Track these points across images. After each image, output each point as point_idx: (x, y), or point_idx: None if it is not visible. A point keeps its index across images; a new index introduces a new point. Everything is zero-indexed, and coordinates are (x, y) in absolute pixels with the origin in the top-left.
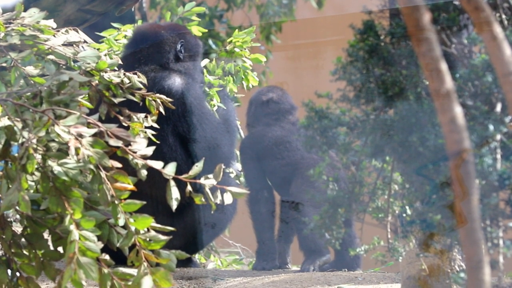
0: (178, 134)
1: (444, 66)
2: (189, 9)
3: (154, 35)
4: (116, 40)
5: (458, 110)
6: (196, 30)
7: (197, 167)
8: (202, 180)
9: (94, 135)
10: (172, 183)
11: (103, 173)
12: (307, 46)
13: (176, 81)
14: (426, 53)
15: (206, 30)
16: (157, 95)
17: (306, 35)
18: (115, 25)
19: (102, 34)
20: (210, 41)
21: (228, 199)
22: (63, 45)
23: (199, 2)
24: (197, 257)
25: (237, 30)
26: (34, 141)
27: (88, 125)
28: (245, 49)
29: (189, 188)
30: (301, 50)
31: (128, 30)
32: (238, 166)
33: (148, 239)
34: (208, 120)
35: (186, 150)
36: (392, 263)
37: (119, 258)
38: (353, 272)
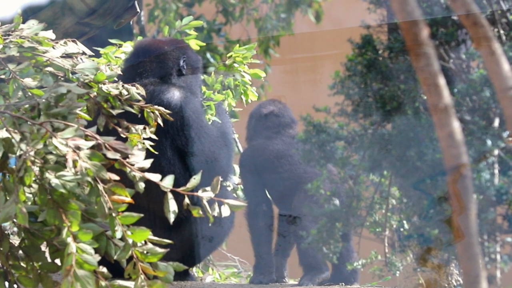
0: (177, 148)
1: (442, 81)
2: (187, 23)
3: (156, 49)
4: (115, 56)
5: (456, 125)
6: (194, 44)
7: (195, 179)
8: (199, 193)
9: (92, 147)
10: (170, 195)
11: (100, 186)
12: (305, 60)
13: (175, 95)
14: (424, 67)
15: (204, 44)
16: (156, 106)
17: (304, 49)
18: (113, 41)
19: (101, 50)
20: (208, 55)
21: (225, 211)
22: (61, 57)
23: (197, 16)
24: (194, 270)
25: (238, 45)
26: (32, 153)
27: (86, 137)
28: (244, 64)
29: (186, 200)
30: (299, 64)
31: (127, 46)
32: (235, 179)
33: (145, 252)
34: (206, 134)
35: (184, 164)
36: (389, 277)
37: (116, 270)
38: (350, 286)
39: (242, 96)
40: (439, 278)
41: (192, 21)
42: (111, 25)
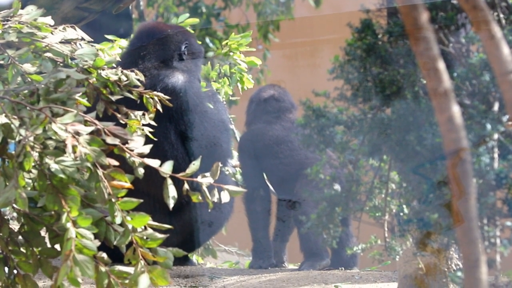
0: (180, 132)
1: (442, 65)
2: (183, 20)
3: (160, 32)
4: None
5: (456, 109)
6: None
7: (194, 165)
8: (199, 179)
9: (91, 133)
10: (169, 181)
11: (100, 171)
12: (305, 45)
13: (180, 79)
14: (424, 52)
15: (200, 43)
16: (155, 92)
17: (303, 34)
18: (109, 37)
19: (97, 46)
20: (207, 40)
21: (225, 197)
22: (60, 42)
23: (196, 1)
24: (194, 258)
25: (233, 33)
26: (31, 138)
27: (85, 123)
28: (240, 52)
29: (186, 186)
30: (299, 49)
31: (122, 41)
32: (233, 162)
33: (145, 237)
34: (209, 118)
35: (188, 148)
36: (389, 262)
37: (116, 256)
38: (350, 270)
39: (239, 84)
40: (438, 262)
41: (188, 19)
42: (110, 10)
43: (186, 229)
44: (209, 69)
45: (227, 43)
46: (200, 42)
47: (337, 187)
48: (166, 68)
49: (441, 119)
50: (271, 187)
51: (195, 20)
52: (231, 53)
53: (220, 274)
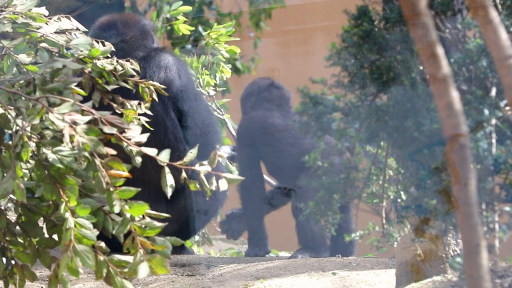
0: (178, 109)
1: (440, 50)
2: (176, 8)
3: (142, 23)
4: None
5: (455, 95)
6: (184, 28)
7: (192, 153)
8: (197, 167)
9: (88, 122)
10: (167, 170)
11: (97, 160)
12: (297, 32)
13: (170, 58)
14: (422, 37)
15: (193, 28)
16: (150, 82)
17: (296, 21)
18: None
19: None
20: (200, 28)
21: (223, 185)
22: (55, 32)
23: None
24: (195, 248)
25: (215, 23)
26: (28, 129)
27: (82, 112)
28: (225, 43)
29: (184, 175)
30: (291, 36)
31: None
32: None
33: (143, 226)
34: (200, 96)
35: (186, 123)
36: (385, 248)
37: (112, 246)
38: (347, 257)
39: (217, 74)
40: (436, 248)
41: (181, 7)
42: None
43: (181, 216)
44: (192, 61)
45: (208, 33)
46: (193, 29)
47: (341, 174)
48: (159, 51)
49: (440, 104)
50: (266, 177)
51: (188, 8)
52: (216, 44)
53: (217, 262)
